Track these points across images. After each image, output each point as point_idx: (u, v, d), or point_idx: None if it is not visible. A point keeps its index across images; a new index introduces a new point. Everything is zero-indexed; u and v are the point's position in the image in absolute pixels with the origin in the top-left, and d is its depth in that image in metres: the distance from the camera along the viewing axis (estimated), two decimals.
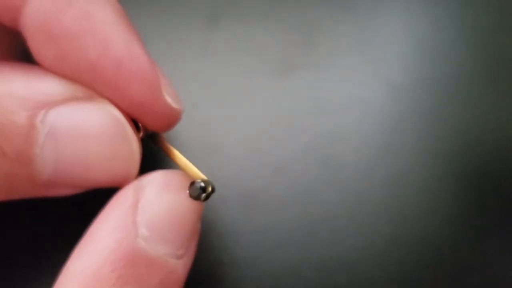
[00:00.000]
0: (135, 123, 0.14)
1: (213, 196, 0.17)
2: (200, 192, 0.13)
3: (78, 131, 0.11)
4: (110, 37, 0.12)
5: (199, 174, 0.14)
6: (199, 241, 0.17)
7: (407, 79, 0.19)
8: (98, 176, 0.12)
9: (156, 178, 0.12)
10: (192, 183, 0.13)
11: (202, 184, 0.13)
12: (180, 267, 0.12)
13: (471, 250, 0.17)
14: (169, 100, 0.13)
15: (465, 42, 0.19)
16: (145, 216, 0.12)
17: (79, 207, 0.15)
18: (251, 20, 0.19)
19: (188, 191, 0.13)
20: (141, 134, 0.15)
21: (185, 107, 0.18)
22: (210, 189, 0.13)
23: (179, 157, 0.14)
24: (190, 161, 0.14)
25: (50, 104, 0.11)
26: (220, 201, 0.17)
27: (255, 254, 0.17)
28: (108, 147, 0.12)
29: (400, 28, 0.19)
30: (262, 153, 0.18)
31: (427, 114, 0.18)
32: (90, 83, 0.12)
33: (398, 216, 0.17)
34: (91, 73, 0.12)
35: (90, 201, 0.15)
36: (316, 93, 0.19)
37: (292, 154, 0.18)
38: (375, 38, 0.19)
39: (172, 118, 0.13)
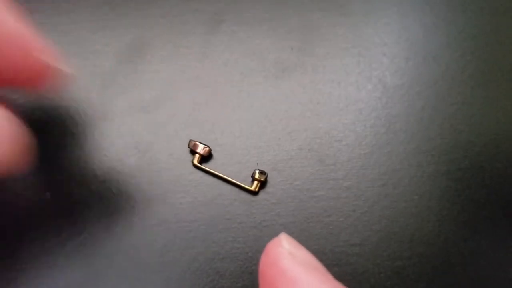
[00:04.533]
0: (192, 151, 0.18)
1: (212, 195, 0.17)
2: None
3: None
4: None
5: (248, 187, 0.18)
6: (199, 237, 0.17)
7: (400, 81, 0.19)
8: None
9: None
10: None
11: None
12: None
13: (461, 245, 0.17)
14: (39, 55, 0.14)
15: (456, 45, 0.20)
16: None
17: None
18: (250, 24, 0.20)
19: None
20: (195, 160, 0.18)
21: (186, 107, 0.18)
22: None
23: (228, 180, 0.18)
24: None
25: None
26: (219, 198, 0.18)
27: (253, 248, 0.17)
28: None
29: (393, 32, 0.20)
30: (259, 152, 0.18)
31: (419, 114, 0.19)
32: None
33: (390, 212, 0.17)
34: None
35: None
36: (312, 94, 0.19)
37: (288, 153, 0.18)
38: (369, 41, 0.20)
39: (43, 72, 0.14)
